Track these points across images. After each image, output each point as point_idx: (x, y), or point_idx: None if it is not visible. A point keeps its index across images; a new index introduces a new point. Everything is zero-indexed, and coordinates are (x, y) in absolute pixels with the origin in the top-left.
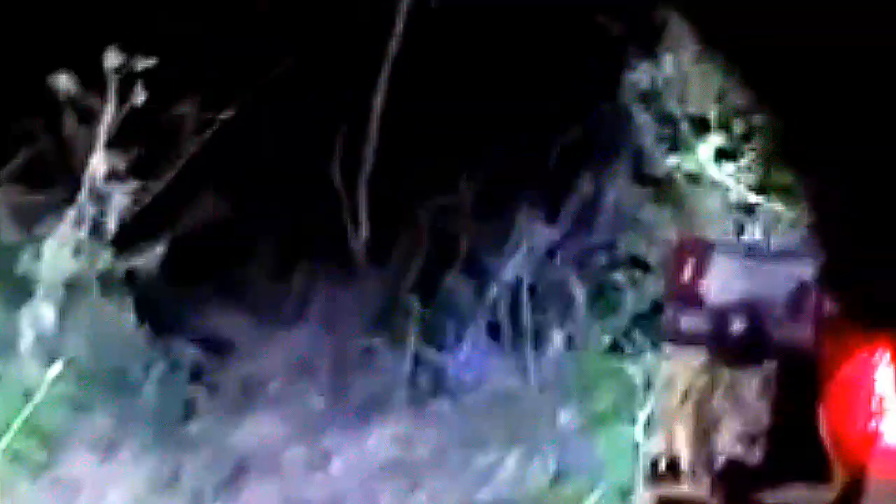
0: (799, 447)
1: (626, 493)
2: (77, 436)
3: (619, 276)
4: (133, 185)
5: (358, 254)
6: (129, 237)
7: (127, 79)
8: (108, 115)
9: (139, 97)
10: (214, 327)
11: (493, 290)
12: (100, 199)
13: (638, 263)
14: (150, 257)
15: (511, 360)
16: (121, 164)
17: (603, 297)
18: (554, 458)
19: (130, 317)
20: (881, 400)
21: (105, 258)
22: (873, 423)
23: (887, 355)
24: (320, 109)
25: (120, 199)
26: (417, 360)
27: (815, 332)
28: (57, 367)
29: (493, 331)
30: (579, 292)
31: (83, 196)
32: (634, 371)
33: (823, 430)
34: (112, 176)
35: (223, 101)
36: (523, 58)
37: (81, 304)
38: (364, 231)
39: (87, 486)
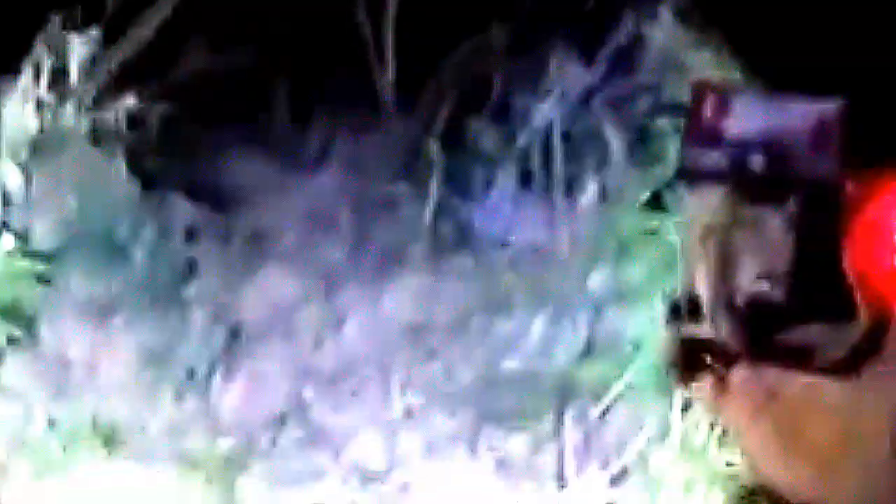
0: (823, 286)
1: (662, 372)
2: (57, 307)
3: (661, 122)
4: (93, 32)
5: (383, 96)
6: (122, 86)
7: None
8: None
9: None
10: (221, 178)
11: (524, 136)
12: (58, 49)
13: (683, 109)
14: (123, 109)
15: (541, 213)
16: (77, 11)
17: (644, 145)
18: (585, 328)
19: (118, 171)
20: None
21: (67, 113)
22: None
23: None
24: None
25: (81, 49)
26: (441, 211)
27: (838, 168)
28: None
29: (524, 180)
30: (617, 139)
31: (38, 46)
32: (674, 231)
33: (848, 269)
34: (71, 23)
35: None
36: None
37: (55, 160)
38: (390, 72)
39: (73, 361)
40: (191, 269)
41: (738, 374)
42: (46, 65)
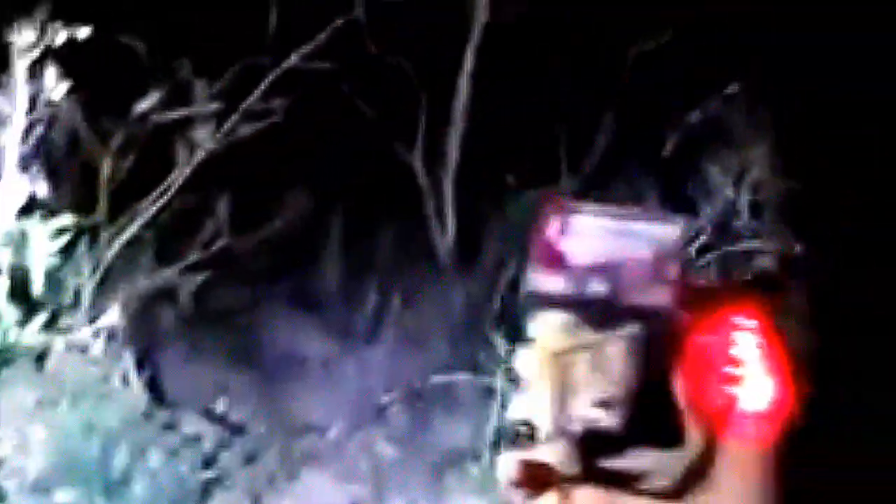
0: (656, 413)
1: None
2: None
3: None
4: (65, 220)
5: (443, 260)
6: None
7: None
8: (20, 116)
9: (55, 88)
10: (259, 358)
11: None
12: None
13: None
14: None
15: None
16: (43, 191)
17: None
18: None
19: (125, 380)
20: (739, 366)
21: (33, 327)
22: (730, 390)
23: (750, 322)
24: (396, 92)
25: (43, 243)
26: (506, 406)
27: (676, 297)
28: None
29: None
30: None
31: None
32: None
33: (679, 396)
34: (32, 208)
35: (252, 84)
36: (629, 34)
37: (32, 376)
38: (450, 232)
39: None
40: (206, 492)
41: (582, 495)
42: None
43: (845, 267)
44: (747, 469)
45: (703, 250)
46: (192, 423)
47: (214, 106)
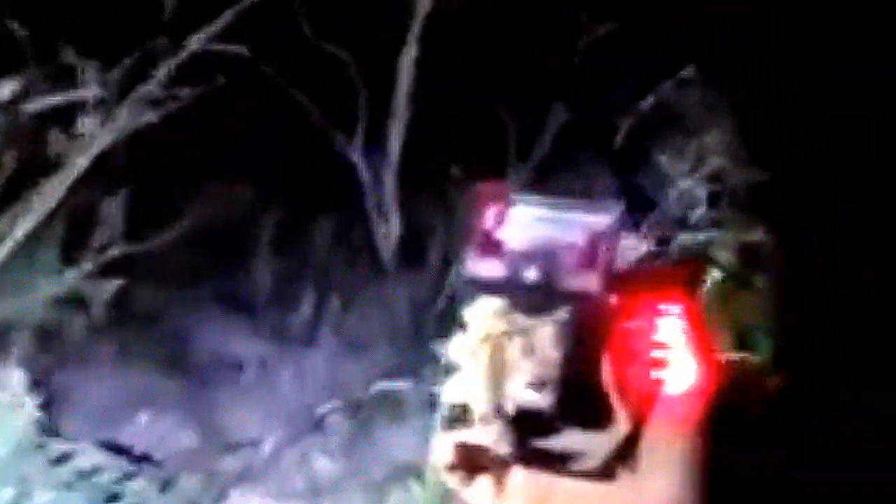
0: (585, 396)
1: None
2: None
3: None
4: None
5: (385, 259)
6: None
7: None
8: None
9: None
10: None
11: None
12: None
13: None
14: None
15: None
16: None
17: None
18: None
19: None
20: (664, 349)
21: None
22: (656, 373)
23: (676, 307)
24: (334, 77)
25: None
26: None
27: (604, 282)
28: None
29: None
30: None
31: None
32: None
33: (607, 379)
34: None
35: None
36: (580, 19)
37: None
38: (394, 229)
39: None
40: None
41: (515, 476)
42: None
43: (835, 249)
44: (673, 448)
45: (661, 243)
46: (90, 454)
47: (103, 93)
